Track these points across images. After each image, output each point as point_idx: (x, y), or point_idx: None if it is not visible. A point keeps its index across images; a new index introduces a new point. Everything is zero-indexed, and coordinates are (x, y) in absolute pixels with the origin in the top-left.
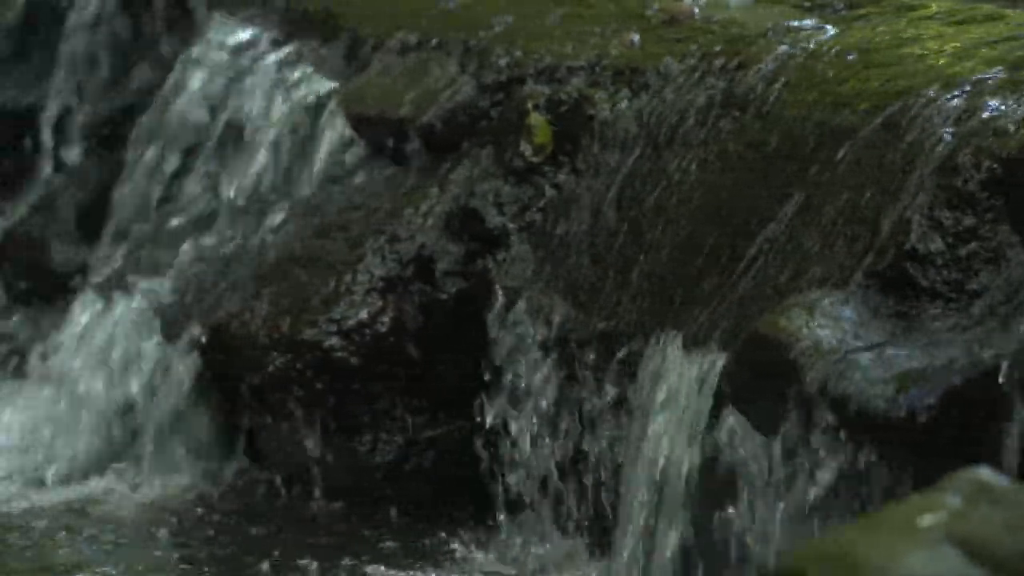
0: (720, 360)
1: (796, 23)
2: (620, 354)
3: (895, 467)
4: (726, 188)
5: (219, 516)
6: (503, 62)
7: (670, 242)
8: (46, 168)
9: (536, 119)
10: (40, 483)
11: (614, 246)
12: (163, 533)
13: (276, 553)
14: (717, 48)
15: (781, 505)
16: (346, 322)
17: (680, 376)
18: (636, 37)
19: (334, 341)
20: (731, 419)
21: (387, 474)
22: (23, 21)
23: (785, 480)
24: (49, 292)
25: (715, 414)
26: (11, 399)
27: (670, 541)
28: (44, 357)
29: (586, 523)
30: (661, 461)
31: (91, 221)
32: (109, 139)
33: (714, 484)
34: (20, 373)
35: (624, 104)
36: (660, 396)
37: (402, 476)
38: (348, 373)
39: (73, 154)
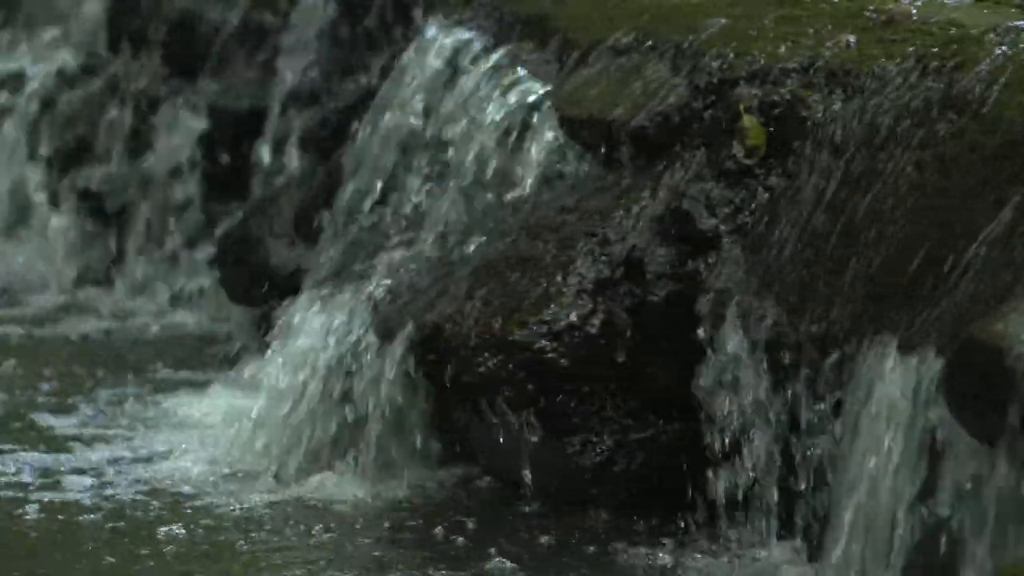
0: (936, 365)
1: (1016, 24)
2: (832, 357)
3: None
4: (943, 191)
5: (432, 515)
6: (716, 64)
7: (885, 245)
8: (266, 171)
9: (749, 121)
10: (259, 480)
11: (827, 249)
12: (379, 531)
13: (487, 553)
14: (934, 49)
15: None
16: (557, 323)
17: (894, 380)
18: (851, 38)
19: (544, 342)
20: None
21: (596, 475)
22: (244, 27)
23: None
24: (267, 292)
25: (930, 419)
26: (231, 397)
27: (883, 543)
28: (262, 356)
29: (798, 526)
30: (874, 463)
31: (309, 223)
32: (327, 142)
33: (930, 487)
34: (240, 371)
35: (838, 106)
36: (874, 400)
37: (611, 478)
38: (558, 374)
39: (292, 157)
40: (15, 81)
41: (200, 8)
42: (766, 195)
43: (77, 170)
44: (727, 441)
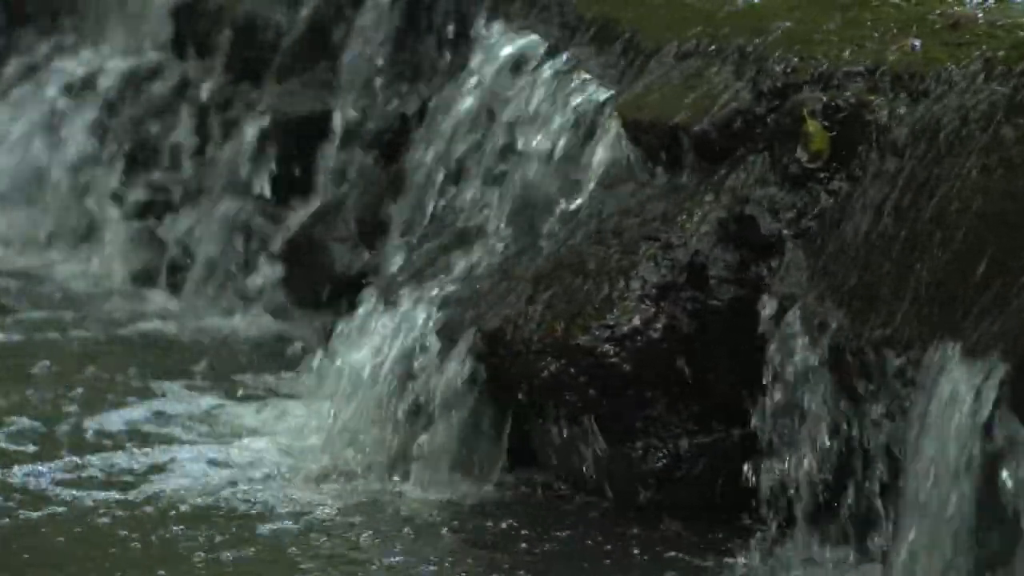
0: (1001, 370)
1: None
2: (896, 362)
3: None
4: (1009, 195)
5: (494, 519)
6: (780, 68)
7: (950, 249)
8: (330, 175)
9: (813, 125)
10: (323, 484)
11: (891, 253)
12: (441, 534)
13: (548, 556)
14: (1000, 53)
15: None
16: (619, 328)
17: (959, 385)
18: (917, 42)
19: (607, 347)
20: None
21: (658, 481)
22: (308, 32)
23: None
24: (331, 296)
25: (994, 423)
26: (294, 401)
27: (946, 550)
28: (326, 360)
29: (861, 532)
30: (938, 468)
31: (372, 227)
32: (390, 147)
33: (993, 492)
34: (303, 375)
35: (903, 110)
36: (938, 405)
37: (673, 483)
38: (620, 379)
39: (356, 161)
40: (82, 84)
41: (265, 12)
42: (830, 199)
43: (142, 173)
44: (789, 447)
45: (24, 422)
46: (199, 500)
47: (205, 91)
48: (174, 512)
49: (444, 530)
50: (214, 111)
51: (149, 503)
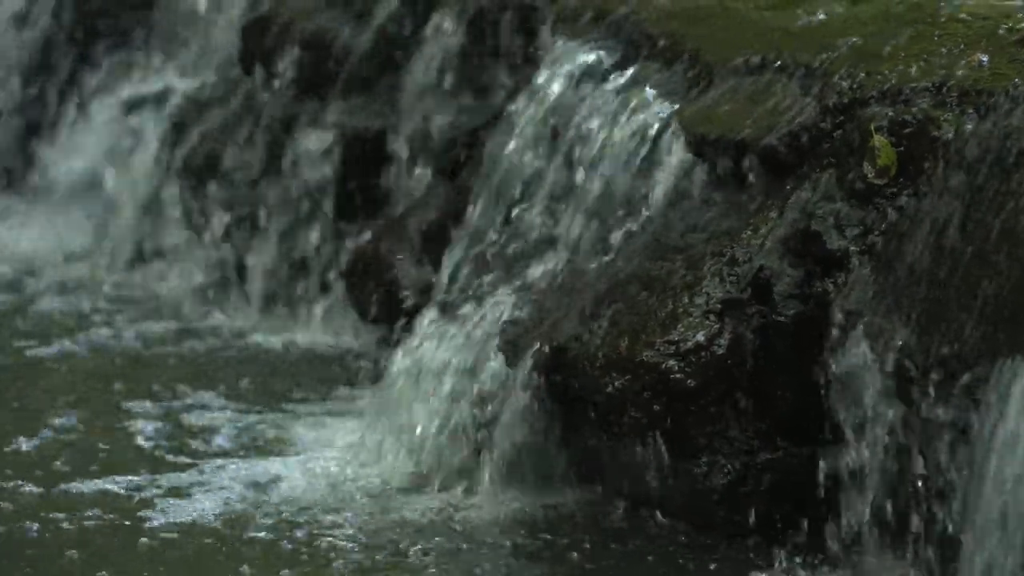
0: None
1: None
2: (963, 380)
3: None
4: None
5: (558, 534)
6: (846, 84)
7: (1017, 266)
8: (395, 190)
9: (880, 141)
10: (387, 499)
11: (958, 269)
12: (505, 549)
13: (611, 572)
14: None
15: None
16: (684, 344)
17: None
18: (984, 58)
19: (671, 362)
20: None
21: (723, 496)
22: (374, 48)
23: None
24: (395, 311)
25: None
26: (358, 416)
27: (1018, 568)
28: (390, 375)
29: (927, 550)
30: (1008, 487)
31: (437, 242)
32: (455, 163)
33: None
34: (367, 390)
35: (970, 126)
36: (1006, 422)
37: (738, 499)
38: (685, 395)
39: (421, 177)
40: (153, 102)
41: (331, 29)
42: (896, 215)
43: (210, 189)
44: (855, 463)
45: (73, 433)
46: (254, 513)
47: (271, 107)
48: (231, 527)
49: (507, 545)
50: (280, 127)
51: (202, 516)
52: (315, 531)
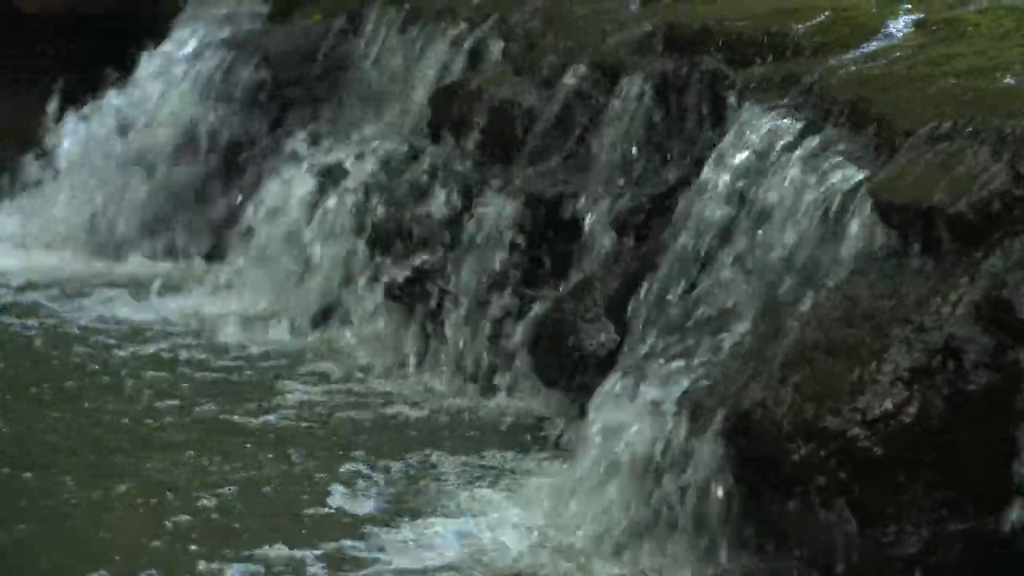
0: None
1: None
2: None
3: None
4: None
5: None
6: None
7: None
8: (580, 255)
9: None
10: (575, 557)
11: None
12: None
13: None
14: None
15: None
16: (871, 412)
17: None
18: None
19: (858, 430)
20: None
21: (911, 566)
22: (560, 115)
23: None
24: (580, 376)
25: None
26: (544, 479)
27: None
28: (576, 439)
29: None
30: None
31: (621, 307)
32: (640, 228)
33: None
34: (556, 451)
35: None
36: None
37: (927, 569)
38: (872, 463)
39: (606, 242)
40: (341, 169)
41: (519, 97)
42: None
43: (398, 254)
44: None
45: (251, 492)
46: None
47: (458, 173)
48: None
49: None
50: (467, 193)
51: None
52: None
